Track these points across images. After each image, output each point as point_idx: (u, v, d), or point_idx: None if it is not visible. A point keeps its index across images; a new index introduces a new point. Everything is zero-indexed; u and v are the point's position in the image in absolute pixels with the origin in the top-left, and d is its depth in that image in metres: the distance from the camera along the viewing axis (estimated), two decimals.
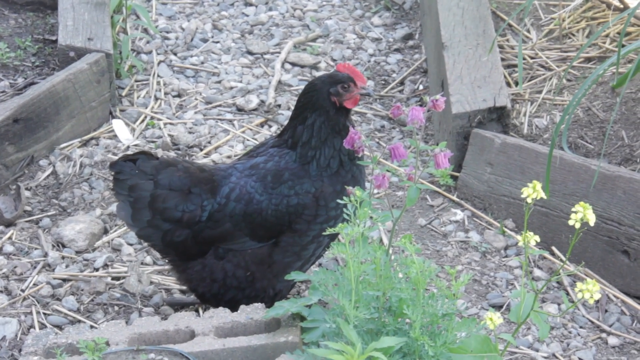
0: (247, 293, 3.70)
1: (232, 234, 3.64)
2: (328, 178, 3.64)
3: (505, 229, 4.38)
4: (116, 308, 3.98)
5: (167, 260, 3.83)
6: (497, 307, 4.00)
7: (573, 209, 3.06)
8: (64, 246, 4.25)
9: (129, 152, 3.86)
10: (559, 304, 4.01)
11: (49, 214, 4.44)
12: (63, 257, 4.21)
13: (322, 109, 3.62)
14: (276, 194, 3.64)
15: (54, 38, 5.30)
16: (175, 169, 3.68)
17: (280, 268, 3.67)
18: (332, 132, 3.63)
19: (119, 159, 3.71)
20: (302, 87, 5.29)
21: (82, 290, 4.04)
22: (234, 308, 3.58)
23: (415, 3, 6.05)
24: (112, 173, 3.70)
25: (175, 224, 3.67)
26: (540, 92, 5.05)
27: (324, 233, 3.27)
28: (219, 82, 5.33)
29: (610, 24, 4.25)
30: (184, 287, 3.95)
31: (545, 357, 3.75)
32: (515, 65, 5.20)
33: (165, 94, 5.22)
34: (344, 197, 3.25)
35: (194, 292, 3.78)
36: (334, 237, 3.70)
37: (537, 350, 3.79)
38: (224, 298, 3.71)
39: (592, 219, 3.05)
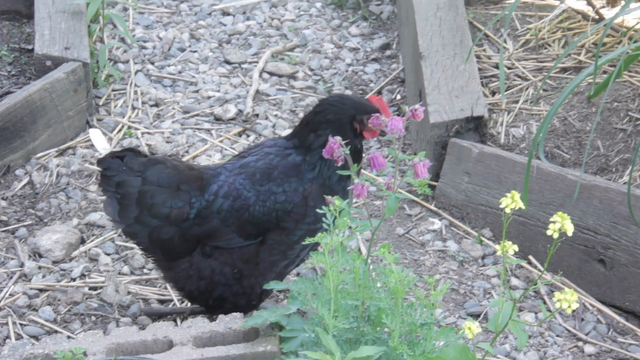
0: (234, 290, 3.70)
1: (219, 230, 3.64)
2: (319, 184, 3.65)
3: (483, 238, 4.39)
4: (93, 318, 3.96)
5: (152, 260, 3.82)
6: (475, 316, 4.02)
7: (551, 219, 3.08)
8: (40, 256, 4.23)
9: (116, 149, 3.85)
10: (536, 313, 4.03)
11: (26, 223, 4.42)
12: (40, 267, 4.19)
13: (340, 129, 3.60)
14: (264, 191, 3.65)
15: (30, 47, 5.28)
16: (164, 166, 3.68)
17: (267, 266, 3.67)
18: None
19: (106, 155, 3.72)
20: (280, 96, 5.32)
21: (59, 300, 4.02)
22: (221, 306, 3.58)
23: (393, 13, 6.07)
24: (100, 169, 3.70)
25: (163, 221, 3.67)
26: (517, 102, 5.08)
27: (303, 243, 3.27)
28: (197, 91, 5.33)
29: (587, 34, 4.27)
30: (165, 295, 3.94)
31: None
32: (492, 75, 5.22)
33: (143, 103, 5.21)
34: (323, 207, 3.26)
35: (181, 290, 3.78)
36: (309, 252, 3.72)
37: (514, 359, 3.80)
38: (212, 295, 3.71)
39: (570, 229, 3.07)
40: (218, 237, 3.66)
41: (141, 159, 3.69)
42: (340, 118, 3.64)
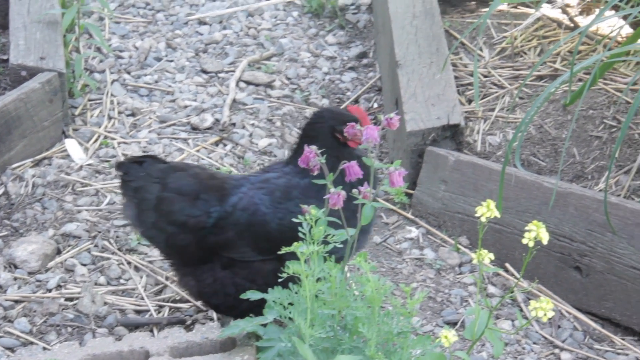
0: (257, 303, 3.63)
1: (234, 242, 3.61)
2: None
3: (460, 246, 4.40)
4: (69, 329, 3.94)
5: (169, 264, 3.82)
6: (452, 324, 4.02)
7: (526, 228, 3.09)
8: (16, 267, 4.21)
9: (137, 155, 3.87)
10: (512, 320, 4.04)
11: (1, 234, 4.40)
12: (15, 279, 4.16)
13: (324, 142, 3.57)
14: (282, 209, 3.62)
15: (5, 57, 5.26)
16: (186, 173, 3.68)
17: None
18: (337, 162, 3.54)
19: (125, 159, 3.73)
20: (257, 105, 5.32)
21: (35, 311, 4.00)
22: (252, 312, 3.55)
23: (370, 22, 6.08)
24: (119, 174, 3.71)
25: (180, 228, 3.65)
26: (493, 109, 5.09)
27: (279, 252, 3.26)
28: (173, 101, 5.32)
29: (561, 43, 4.29)
30: (142, 305, 3.91)
31: None
32: (468, 84, 5.24)
33: (119, 113, 5.19)
34: (299, 216, 3.26)
35: (207, 303, 3.77)
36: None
37: None
38: (239, 309, 3.66)
39: (545, 238, 3.08)
40: (233, 248, 3.64)
41: (160, 165, 3.69)
42: (320, 132, 3.63)
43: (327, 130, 3.65)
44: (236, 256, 3.64)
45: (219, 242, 3.63)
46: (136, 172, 3.67)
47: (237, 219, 3.62)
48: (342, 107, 5.38)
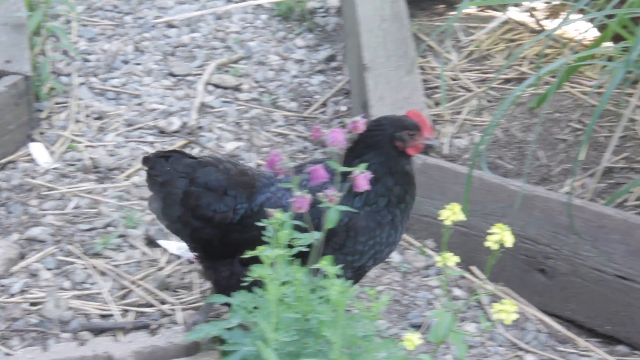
0: None
1: (258, 241, 3.57)
2: (366, 213, 3.59)
3: (426, 249, 4.41)
4: (33, 334, 3.92)
5: (195, 256, 3.82)
6: (418, 326, 4.03)
7: (490, 231, 3.10)
8: None
9: (167, 149, 3.91)
10: (478, 323, 4.05)
11: None
12: None
13: (382, 150, 3.56)
14: (309, 213, 3.58)
15: None
16: (215, 168, 3.68)
17: None
18: (388, 173, 3.56)
19: (152, 154, 3.75)
20: (225, 108, 5.31)
21: None
22: None
23: (339, 25, 6.09)
24: (145, 168, 3.74)
25: (206, 223, 3.66)
26: (460, 112, 5.11)
27: (241, 257, 3.24)
28: (141, 104, 5.30)
29: (526, 46, 4.31)
30: (107, 310, 3.88)
31: None
32: (436, 87, 5.26)
33: (86, 116, 5.17)
34: (264, 219, 3.25)
35: (222, 294, 3.71)
36: (360, 273, 3.66)
37: None
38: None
39: (509, 241, 3.09)
40: (255, 247, 3.60)
41: (187, 160, 3.71)
42: (379, 140, 3.57)
43: (386, 139, 3.57)
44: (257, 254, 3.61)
45: (243, 240, 3.58)
46: (162, 167, 3.70)
47: (263, 218, 3.60)
48: (310, 110, 5.39)
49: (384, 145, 3.56)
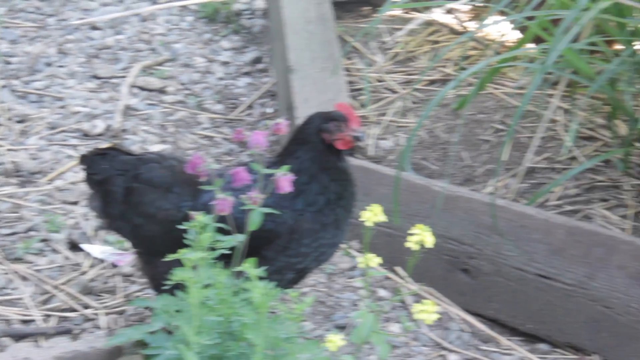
0: None
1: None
2: (311, 214, 3.55)
3: (351, 251, 4.42)
4: None
5: (135, 252, 3.77)
6: (343, 328, 4.04)
7: (410, 231, 3.12)
8: None
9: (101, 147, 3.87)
10: (402, 323, 4.07)
11: None
12: None
13: (311, 145, 3.53)
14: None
15: None
16: (159, 165, 3.63)
17: None
18: (320, 170, 3.54)
19: (88, 152, 3.70)
20: (150, 110, 5.28)
21: None
22: None
23: (265, 27, 6.09)
24: (83, 167, 3.69)
25: (148, 220, 3.61)
26: (385, 114, 5.14)
27: (163, 259, 3.22)
28: (64, 107, 5.24)
29: (450, 47, 4.35)
30: (28, 315, 3.84)
31: None
32: (361, 88, 5.28)
33: (8, 119, 5.10)
34: (186, 222, 3.23)
35: (156, 290, 3.69)
36: (302, 275, 3.64)
37: None
38: None
39: (429, 242, 3.11)
40: None
41: (125, 157, 3.66)
42: (308, 134, 3.54)
43: (313, 131, 3.53)
44: None
45: (186, 237, 3.55)
46: (99, 165, 3.66)
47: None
48: (236, 112, 5.37)
49: (313, 138, 3.53)
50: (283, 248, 3.57)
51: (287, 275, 3.60)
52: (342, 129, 3.53)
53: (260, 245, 3.50)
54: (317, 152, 3.53)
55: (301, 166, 3.50)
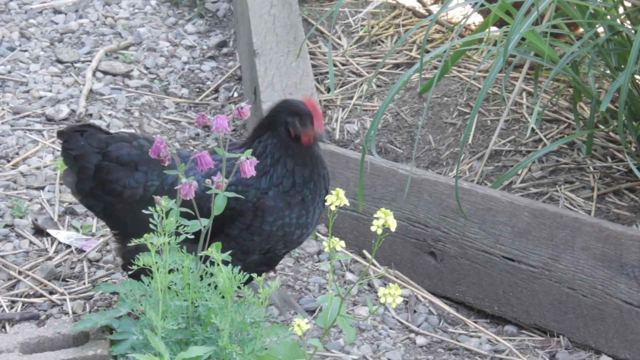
0: None
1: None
2: (275, 193, 3.55)
3: (318, 234, 4.42)
4: None
5: (110, 231, 3.81)
6: (311, 311, 4.04)
7: (375, 215, 3.13)
8: None
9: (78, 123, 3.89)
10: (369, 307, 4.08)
11: None
12: None
13: (276, 132, 3.55)
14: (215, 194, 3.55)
15: None
16: (129, 144, 3.66)
17: None
18: (285, 154, 3.54)
19: (66, 128, 3.75)
20: (114, 95, 5.24)
21: None
22: None
23: (229, 10, 6.06)
24: (60, 142, 3.73)
25: (116, 198, 3.64)
26: (351, 98, 5.14)
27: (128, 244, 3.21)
28: (28, 91, 5.20)
29: (412, 31, 4.35)
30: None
31: None
32: (327, 72, 5.27)
33: None
34: (150, 208, 3.22)
35: (125, 269, 3.70)
36: (270, 256, 3.63)
37: (348, 353, 3.84)
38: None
39: (393, 225, 3.12)
40: None
41: (102, 135, 3.70)
42: (273, 122, 3.57)
43: (281, 121, 3.56)
44: None
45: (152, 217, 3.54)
46: (77, 141, 3.70)
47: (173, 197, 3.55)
48: (201, 97, 5.35)
49: (278, 127, 3.57)
50: (246, 226, 3.57)
51: (253, 256, 3.59)
52: (306, 125, 3.55)
53: (224, 223, 3.52)
54: (281, 139, 3.54)
55: (266, 150, 3.54)
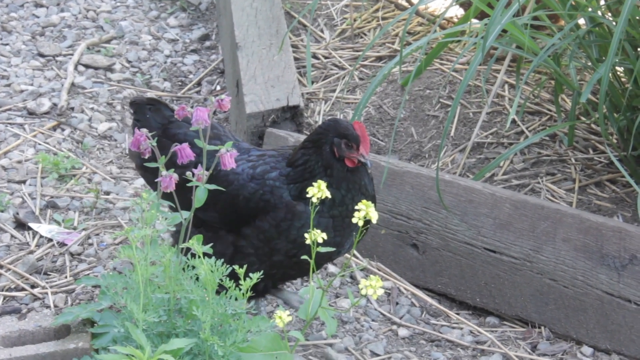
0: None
1: (208, 204, 3.41)
2: (305, 204, 3.52)
3: None
4: None
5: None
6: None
7: (356, 207, 3.13)
8: None
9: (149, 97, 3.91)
10: (350, 299, 4.08)
11: None
12: None
13: (321, 150, 3.54)
14: (256, 182, 3.55)
15: None
16: (189, 125, 3.57)
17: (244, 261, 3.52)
18: (322, 173, 3.52)
19: (138, 99, 3.85)
20: (96, 89, 5.23)
21: None
22: None
23: (212, 4, 6.05)
24: (130, 111, 3.83)
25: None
26: (334, 90, 5.14)
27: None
28: (9, 85, 5.18)
29: (392, 23, 4.35)
30: None
31: (338, 352, 3.81)
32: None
33: None
34: (134, 198, 3.22)
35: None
36: (301, 265, 3.55)
37: (330, 345, 3.85)
38: None
39: (374, 217, 3.12)
40: (206, 210, 3.45)
41: (167, 112, 3.77)
42: (320, 140, 3.55)
43: (327, 141, 3.54)
44: (203, 217, 3.56)
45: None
46: (143, 114, 3.78)
47: (226, 179, 3.57)
48: (184, 90, 5.34)
49: (323, 146, 3.55)
50: (276, 223, 3.55)
51: (279, 256, 3.58)
52: (351, 149, 3.54)
53: (257, 215, 3.54)
54: (324, 158, 3.53)
55: (306, 163, 3.54)
